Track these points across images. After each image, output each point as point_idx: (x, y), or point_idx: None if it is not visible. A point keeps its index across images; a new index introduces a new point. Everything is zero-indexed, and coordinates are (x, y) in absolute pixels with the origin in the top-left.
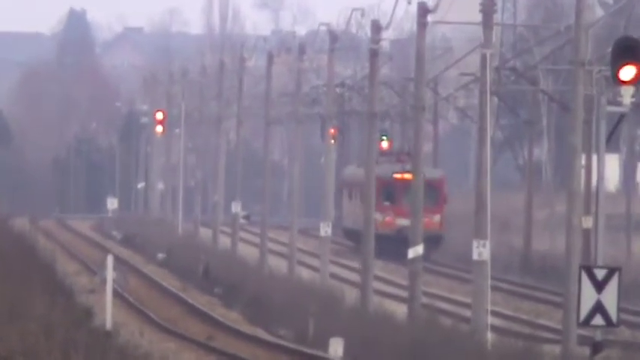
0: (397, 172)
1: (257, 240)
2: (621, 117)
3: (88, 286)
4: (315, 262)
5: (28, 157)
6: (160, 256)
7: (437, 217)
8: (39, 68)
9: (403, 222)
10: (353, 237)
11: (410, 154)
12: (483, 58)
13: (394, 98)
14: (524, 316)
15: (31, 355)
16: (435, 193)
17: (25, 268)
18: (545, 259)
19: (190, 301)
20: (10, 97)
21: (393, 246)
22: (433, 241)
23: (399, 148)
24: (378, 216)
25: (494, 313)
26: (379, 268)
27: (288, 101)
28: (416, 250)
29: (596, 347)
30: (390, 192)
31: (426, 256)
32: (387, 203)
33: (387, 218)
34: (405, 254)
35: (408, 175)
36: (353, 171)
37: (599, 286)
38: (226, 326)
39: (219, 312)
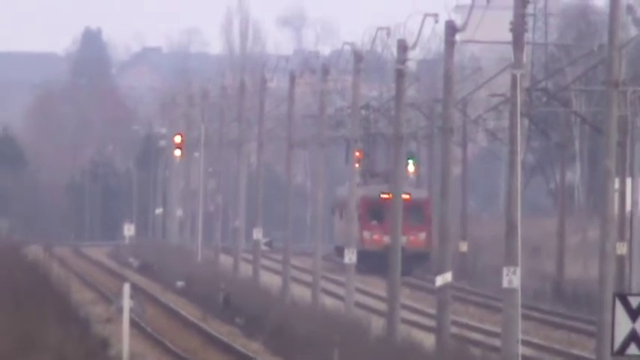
0: (384, 193)
1: (279, 267)
2: None
3: (103, 315)
4: (339, 290)
5: (42, 182)
6: (179, 284)
7: (422, 235)
8: (53, 89)
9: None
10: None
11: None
12: (514, 78)
13: (421, 120)
14: (557, 346)
15: None
16: (420, 212)
17: (39, 298)
18: (578, 286)
19: (210, 331)
20: (24, 120)
21: (379, 262)
22: (419, 258)
23: (387, 169)
24: (365, 234)
25: (525, 343)
26: (406, 296)
27: (312, 123)
28: (444, 278)
29: None
30: (377, 211)
31: (409, 272)
32: (374, 222)
33: (375, 236)
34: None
35: None
36: (344, 191)
37: (634, 314)
38: (248, 357)
39: (241, 342)
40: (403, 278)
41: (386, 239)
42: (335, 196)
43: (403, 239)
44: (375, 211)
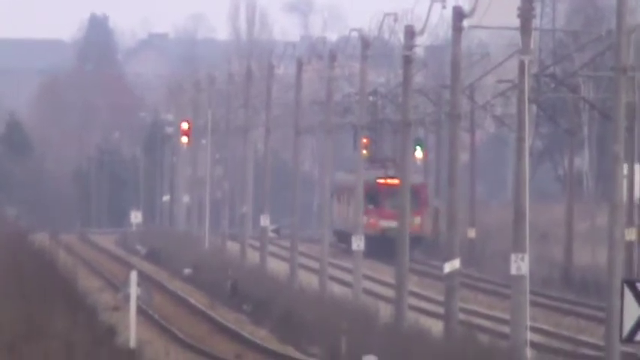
0: (381, 178)
1: (287, 254)
2: None
3: (111, 303)
4: (347, 277)
5: (48, 169)
6: (186, 271)
7: (417, 220)
8: (59, 76)
9: (386, 224)
10: (342, 238)
11: (395, 160)
12: (522, 64)
13: (429, 106)
14: (565, 332)
15: None
16: (416, 197)
17: (46, 285)
18: (587, 272)
19: (218, 318)
20: (30, 107)
21: (376, 246)
22: (413, 242)
23: (384, 154)
24: (362, 218)
25: (534, 329)
26: (414, 283)
27: (319, 110)
28: (452, 265)
29: None
30: (374, 196)
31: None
32: (371, 206)
33: (371, 220)
34: (389, 253)
35: (390, 181)
36: (342, 176)
37: None
38: (255, 344)
39: (248, 330)
40: (410, 264)
41: (382, 223)
42: (333, 181)
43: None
44: (371, 196)
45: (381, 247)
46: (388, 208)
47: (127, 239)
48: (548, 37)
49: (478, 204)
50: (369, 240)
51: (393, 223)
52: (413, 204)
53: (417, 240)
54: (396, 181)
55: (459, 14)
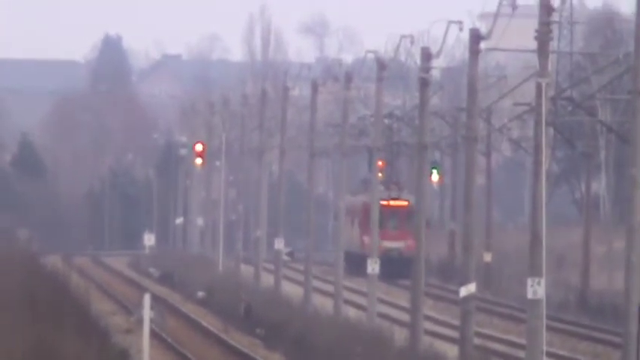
0: (384, 199)
1: (301, 278)
2: None
3: (123, 326)
4: (362, 300)
5: (60, 191)
6: (200, 294)
7: None
8: (72, 97)
9: (389, 244)
10: (348, 259)
11: (398, 183)
12: (539, 87)
13: (445, 129)
14: (582, 358)
15: None
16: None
17: (58, 308)
18: (603, 297)
19: (231, 342)
20: (43, 127)
21: (380, 266)
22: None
23: (388, 177)
24: (365, 239)
25: (550, 354)
26: (429, 307)
27: (334, 132)
28: (468, 289)
29: None
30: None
31: (407, 275)
32: None
33: None
34: (392, 273)
35: (394, 202)
36: (348, 198)
37: None
38: None
39: (262, 354)
40: (426, 288)
41: (385, 244)
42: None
43: (401, 244)
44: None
45: (384, 267)
46: (391, 230)
47: (140, 262)
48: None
49: (494, 227)
50: None
51: (395, 244)
52: (415, 224)
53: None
54: (399, 203)
55: (475, 36)
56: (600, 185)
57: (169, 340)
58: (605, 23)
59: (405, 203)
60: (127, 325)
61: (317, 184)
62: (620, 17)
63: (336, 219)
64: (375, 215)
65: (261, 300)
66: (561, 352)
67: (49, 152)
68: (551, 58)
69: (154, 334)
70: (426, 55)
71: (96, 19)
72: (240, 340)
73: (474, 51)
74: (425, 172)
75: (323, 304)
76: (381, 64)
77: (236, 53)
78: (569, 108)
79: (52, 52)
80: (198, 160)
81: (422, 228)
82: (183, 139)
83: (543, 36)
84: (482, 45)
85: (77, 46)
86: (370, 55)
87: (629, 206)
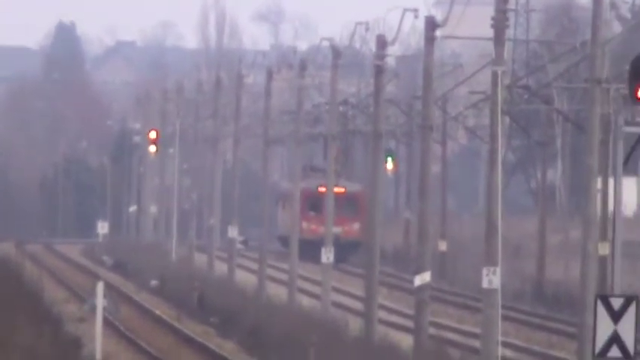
0: (322, 186)
1: (255, 266)
2: None
3: (76, 314)
4: (316, 290)
5: (13, 178)
6: (153, 283)
7: (356, 226)
8: (25, 84)
9: None
10: (286, 243)
11: (336, 169)
12: (494, 75)
13: (400, 117)
14: (537, 348)
15: None
16: (354, 204)
17: (10, 296)
18: (559, 287)
19: (185, 330)
20: None
21: (316, 251)
22: (352, 247)
23: (324, 165)
24: (304, 224)
25: (505, 344)
26: (383, 296)
27: (289, 120)
28: (423, 278)
29: None
30: (315, 203)
31: (343, 259)
32: (312, 213)
33: (312, 226)
34: None
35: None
36: (286, 184)
37: (616, 316)
38: (222, 357)
39: (215, 342)
40: (380, 277)
41: (322, 229)
42: (278, 188)
43: (338, 229)
44: (313, 203)
45: (319, 251)
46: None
47: (94, 250)
48: (522, 47)
49: (449, 216)
50: (308, 245)
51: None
52: (352, 211)
53: (355, 245)
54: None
55: (431, 24)
56: (556, 174)
57: (122, 328)
58: (562, 11)
59: (343, 190)
60: (80, 313)
61: (272, 172)
62: (576, 5)
63: (276, 204)
64: (330, 204)
65: (215, 288)
66: (516, 342)
67: (1, 139)
68: (507, 46)
69: (107, 323)
70: (381, 43)
71: (49, 6)
72: (193, 329)
73: (430, 38)
74: (380, 160)
75: (277, 292)
76: (336, 52)
77: (190, 40)
78: (525, 96)
79: (5, 38)
80: (152, 148)
81: (376, 215)
82: (138, 126)
83: (499, 24)
84: (438, 33)
85: (30, 33)
86: (325, 43)
87: (585, 195)
